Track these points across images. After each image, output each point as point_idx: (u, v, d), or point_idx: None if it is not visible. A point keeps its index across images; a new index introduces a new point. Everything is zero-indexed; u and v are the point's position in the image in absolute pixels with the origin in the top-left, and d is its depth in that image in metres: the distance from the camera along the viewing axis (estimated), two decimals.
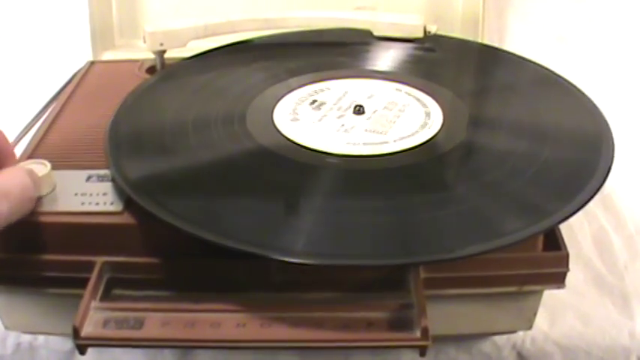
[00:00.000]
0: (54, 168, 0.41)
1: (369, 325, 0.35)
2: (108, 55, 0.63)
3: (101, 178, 0.42)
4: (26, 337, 0.47)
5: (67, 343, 0.47)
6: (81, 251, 0.39)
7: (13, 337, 0.47)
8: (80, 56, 0.62)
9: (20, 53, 0.74)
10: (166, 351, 0.46)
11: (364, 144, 0.44)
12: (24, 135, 0.51)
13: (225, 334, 0.35)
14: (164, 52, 0.55)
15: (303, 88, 0.50)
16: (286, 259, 0.35)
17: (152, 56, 0.56)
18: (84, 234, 0.39)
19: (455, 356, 0.46)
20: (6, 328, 0.45)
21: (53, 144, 0.47)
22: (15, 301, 0.42)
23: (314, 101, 0.49)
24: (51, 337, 0.47)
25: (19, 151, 0.45)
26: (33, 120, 0.53)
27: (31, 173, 0.39)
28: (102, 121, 0.47)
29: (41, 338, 0.47)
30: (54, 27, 0.73)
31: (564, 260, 0.39)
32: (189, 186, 0.41)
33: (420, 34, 0.57)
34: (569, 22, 0.72)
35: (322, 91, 0.50)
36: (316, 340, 0.35)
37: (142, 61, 0.58)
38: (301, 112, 0.47)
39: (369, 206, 0.39)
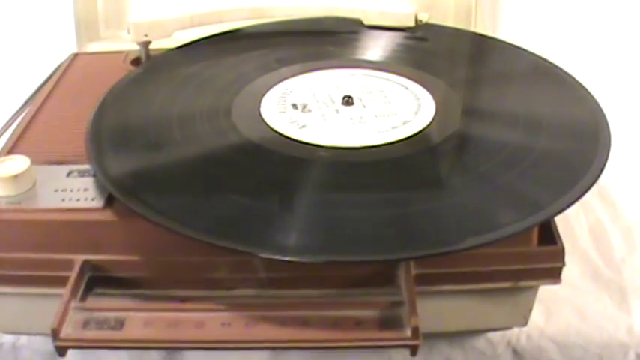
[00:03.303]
0: (34, 163, 0.40)
1: (358, 323, 0.34)
2: (93, 47, 0.62)
3: (82, 174, 0.41)
4: (8, 337, 0.46)
5: (51, 343, 0.45)
6: (61, 249, 0.38)
7: None
8: (65, 48, 0.60)
9: (2, 45, 0.72)
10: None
11: (354, 136, 0.42)
12: (5, 130, 0.50)
13: (210, 334, 0.34)
14: (149, 43, 0.54)
15: (290, 79, 0.49)
16: (276, 256, 0.34)
17: (137, 47, 0.54)
18: (64, 231, 0.38)
19: (448, 353, 0.45)
20: None
21: (34, 139, 0.46)
22: None
23: (302, 93, 0.47)
24: (34, 337, 0.46)
25: None
26: (15, 114, 0.52)
27: None
28: (84, 115, 0.46)
29: (24, 338, 0.46)
30: (38, 18, 0.72)
31: (560, 255, 0.38)
32: (173, 181, 0.40)
33: (411, 23, 0.56)
34: (563, 11, 0.71)
35: (310, 81, 0.49)
36: (303, 340, 0.34)
37: (127, 53, 0.57)
38: (289, 103, 0.46)
39: (361, 200, 0.38)
